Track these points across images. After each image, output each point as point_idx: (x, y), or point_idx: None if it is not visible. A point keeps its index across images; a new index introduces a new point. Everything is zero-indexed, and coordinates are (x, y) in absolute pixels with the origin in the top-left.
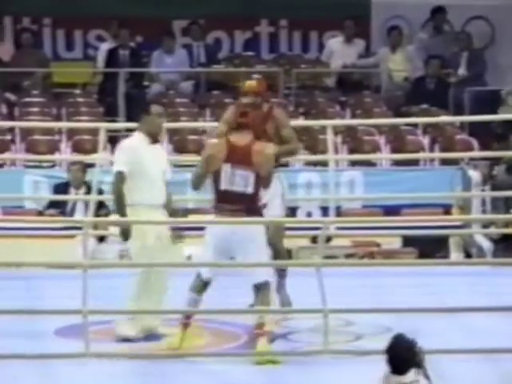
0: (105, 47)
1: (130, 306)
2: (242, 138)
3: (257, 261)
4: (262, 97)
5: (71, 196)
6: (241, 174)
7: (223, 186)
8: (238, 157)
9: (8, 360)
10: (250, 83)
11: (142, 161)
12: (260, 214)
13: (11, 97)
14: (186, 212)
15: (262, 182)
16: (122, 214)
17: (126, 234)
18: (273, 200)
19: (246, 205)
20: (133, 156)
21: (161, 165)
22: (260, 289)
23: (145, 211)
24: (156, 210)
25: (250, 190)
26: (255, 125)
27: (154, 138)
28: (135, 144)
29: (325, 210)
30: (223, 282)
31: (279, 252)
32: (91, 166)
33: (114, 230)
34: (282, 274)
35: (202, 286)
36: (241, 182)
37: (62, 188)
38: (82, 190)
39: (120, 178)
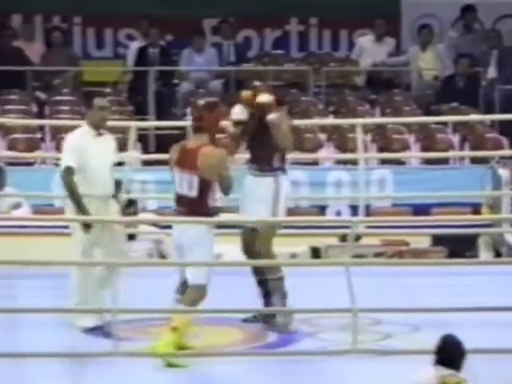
0: (135, 46)
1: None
2: (195, 142)
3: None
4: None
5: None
6: (186, 177)
7: (176, 188)
8: (186, 160)
9: (39, 358)
10: (244, 93)
11: (86, 153)
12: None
13: (41, 95)
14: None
15: (208, 186)
16: (80, 207)
17: (87, 225)
18: (258, 205)
19: (189, 208)
20: (77, 149)
21: (107, 156)
22: (188, 289)
23: (91, 203)
24: (101, 202)
25: (193, 193)
26: (211, 127)
27: (98, 130)
28: (79, 137)
29: (354, 209)
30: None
31: (261, 257)
32: (121, 164)
33: (144, 229)
34: (265, 281)
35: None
36: (185, 185)
37: None
38: None
39: (69, 172)
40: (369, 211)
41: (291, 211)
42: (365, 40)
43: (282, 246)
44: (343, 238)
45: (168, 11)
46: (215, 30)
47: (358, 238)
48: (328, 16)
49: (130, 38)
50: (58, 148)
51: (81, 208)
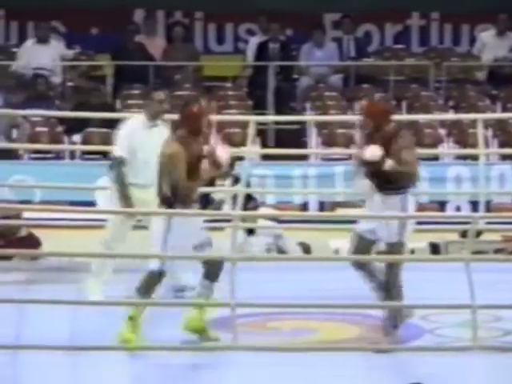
0: (255, 41)
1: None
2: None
3: None
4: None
5: (221, 188)
6: None
7: None
8: None
9: (158, 351)
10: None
11: (136, 143)
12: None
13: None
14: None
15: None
16: (125, 197)
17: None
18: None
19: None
20: (128, 139)
21: (156, 148)
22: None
23: (137, 191)
24: (148, 190)
25: None
26: (188, 123)
27: (155, 121)
28: (132, 127)
29: (474, 205)
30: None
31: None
32: (240, 158)
33: (263, 223)
34: None
35: None
36: None
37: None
38: (227, 182)
39: (118, 162)
40: (489, 207)
41: None
42: (487, 35)
43: None
44: (463, 234)
45: (289, 6)
46: (336, 24)
47: (478, 233)
48: (449, 10)
49: (251, 32)
50: None
51: (125, 198)
